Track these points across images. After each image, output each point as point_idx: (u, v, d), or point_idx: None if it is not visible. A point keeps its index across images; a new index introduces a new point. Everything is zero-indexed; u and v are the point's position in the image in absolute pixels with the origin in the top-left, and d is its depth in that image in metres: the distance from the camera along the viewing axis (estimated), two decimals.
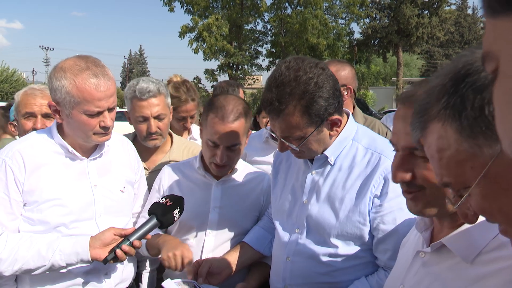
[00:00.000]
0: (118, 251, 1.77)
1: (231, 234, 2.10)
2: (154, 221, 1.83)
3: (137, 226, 1.91)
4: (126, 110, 2.59)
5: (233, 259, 1.98)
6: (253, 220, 2.18)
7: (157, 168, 2.49)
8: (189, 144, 2.80)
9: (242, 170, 2.20)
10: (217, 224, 2.08)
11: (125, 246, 1.78)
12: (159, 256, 1.89)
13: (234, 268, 1.96)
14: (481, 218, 1.04)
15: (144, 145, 2.52)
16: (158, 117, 2.44)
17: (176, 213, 1.87)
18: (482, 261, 1.04)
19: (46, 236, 1.83)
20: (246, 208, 2.16)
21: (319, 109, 1.55)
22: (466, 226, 1.09)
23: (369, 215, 1.64)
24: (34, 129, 2.48)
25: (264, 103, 1.60)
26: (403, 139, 1.13)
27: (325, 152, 1.72)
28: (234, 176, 2.16)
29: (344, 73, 2.60)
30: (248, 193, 2.17)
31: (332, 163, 1.73)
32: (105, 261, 1.78)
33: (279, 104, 1.54)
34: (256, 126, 3.74)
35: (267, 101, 1.58)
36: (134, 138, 2.61)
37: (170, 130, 2.72)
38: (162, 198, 1.90)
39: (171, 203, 1.86)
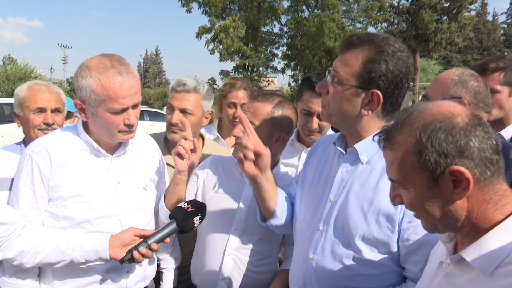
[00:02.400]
0: (135, 253, 1.78)
1: (256, 236, 2.08)
2: (174, 226, 1.84)
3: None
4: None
5: None
6: None
7: None
8: (221, 148, 2.78)
9: (275, 173, 2.13)
10: (243, 223, 2.06)
11: (143, 249, 1.79)
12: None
13: None
14: (500, 229, 1.06)
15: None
16: (183, 111, 2.44)
17: (196, 220, 1.87)
18: (501, 274, 1.03)
19: (68, 231, 1.84)
20: None
21: (379, 71, 1.56)
22: (484, 238, 1.08)
23: (399, 224, 1.58)
24: (46, 123, 2.50)
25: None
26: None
27: (356, 146, 1.67)
28: None
29: None
30: None
31: (363, 161, 1.67)
32: (122, 261, 1.79)
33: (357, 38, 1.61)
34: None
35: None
36: (165, 138, 2.62)
37: (202, 133, 2.73)
38: (184, 203, 1.90)
39: (193, 209, 1.87)
